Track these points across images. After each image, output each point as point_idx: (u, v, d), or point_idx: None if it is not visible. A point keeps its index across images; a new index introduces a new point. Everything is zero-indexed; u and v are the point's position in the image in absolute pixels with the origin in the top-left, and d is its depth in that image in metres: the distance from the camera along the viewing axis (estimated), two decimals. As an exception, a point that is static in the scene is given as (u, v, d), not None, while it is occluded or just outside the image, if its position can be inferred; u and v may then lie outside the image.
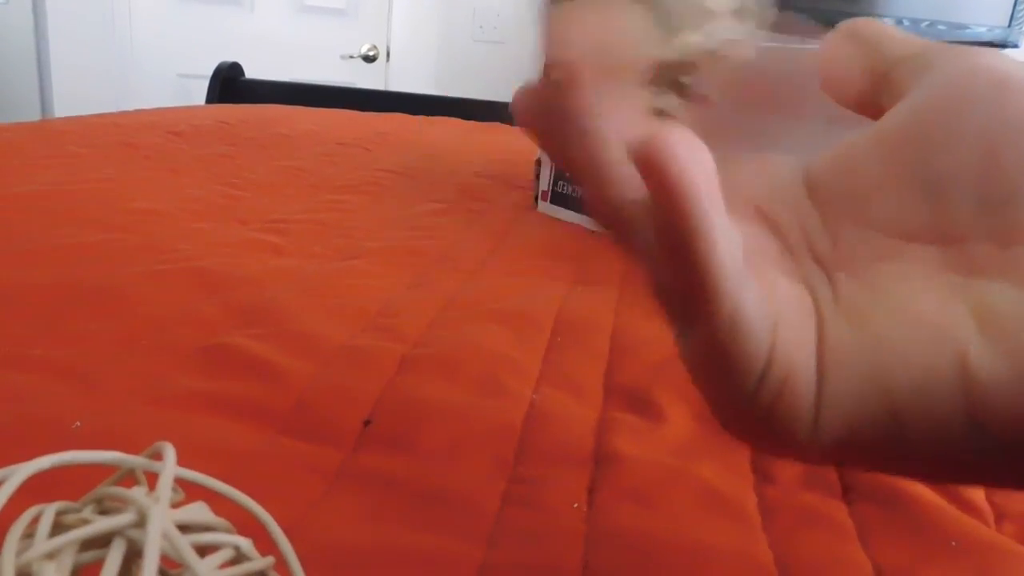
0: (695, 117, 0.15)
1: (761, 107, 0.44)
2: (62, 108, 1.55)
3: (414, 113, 1.23)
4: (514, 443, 0.25)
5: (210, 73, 1.30)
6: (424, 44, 2.10)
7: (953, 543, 0.21)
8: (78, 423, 0.23)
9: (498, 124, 1.16)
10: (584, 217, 0.56)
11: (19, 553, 0.11)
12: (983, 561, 0.21)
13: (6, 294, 0.32)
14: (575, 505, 0.22)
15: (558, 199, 0.58)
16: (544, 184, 0.59)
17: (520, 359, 0.31)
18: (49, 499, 0.13)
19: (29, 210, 0.45)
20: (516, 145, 0.95)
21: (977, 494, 0.24)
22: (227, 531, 0.13)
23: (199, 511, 0.13)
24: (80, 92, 1.56)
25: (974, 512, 0.23)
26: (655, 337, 0.34)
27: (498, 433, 0.25)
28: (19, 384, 0.26)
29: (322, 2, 1.91)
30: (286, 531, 0.20)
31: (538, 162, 0.60)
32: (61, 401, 0.25)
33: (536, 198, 0.61)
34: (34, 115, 1.55)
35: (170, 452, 0.13)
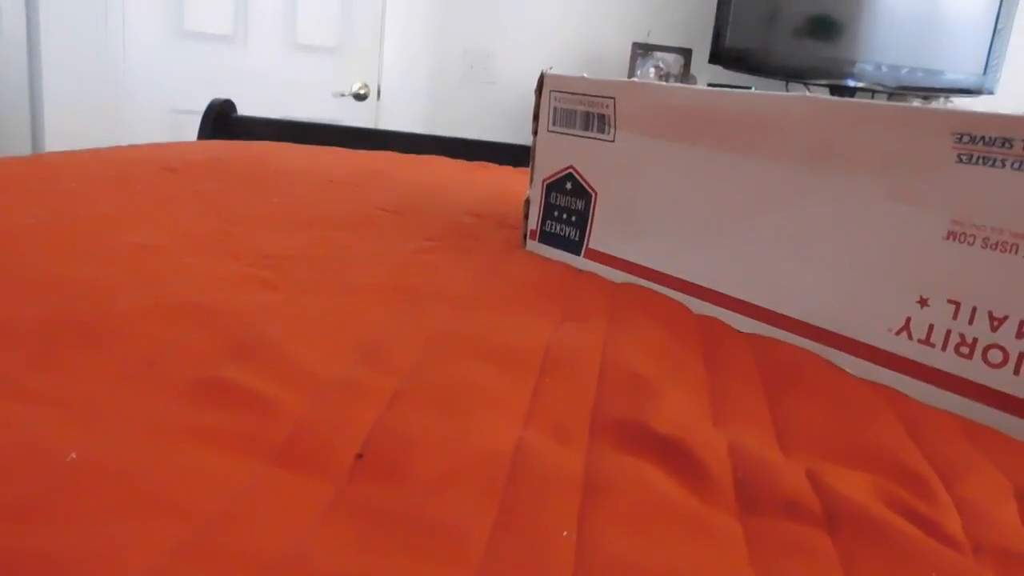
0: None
1: (737, 146, 0.45)
2: (54, 142, 1.55)
3: (404, 150, 1.24)
4: (504, 474, 0.25)
5: (202, 109, 1.31)
6: (415, 83, 2.13)
7: (933, 574, 0.22)
8: (73, 455, 0.24)
9: (488, 163, 1.18)
10: (572, 256, 0.57)
11: None
12: (961, 591, 0.21)
13: None
14: (564, 533, 0.22)
15: (547, 238, 0.59)
16: (533, 223, 0.60)
17: (509, 393, 0.32)
18: None
19: (22, 243, 0.46)
20: (506, 184, 0.96)
21: (955, 527, 0.25)
22: None
23: None
24: (73, 126, 1.57)
25: (953, 544, 0.24)
26: (643, 372, 0.35)
27: (488, 465, 0.26)
28: (12, 415, 0.26)
29: (314, 40, 1.94)
30: (279, 561, 0.20)
31: (527, 202, 0.61)
32: (55, 432, 0.25)
33: (525, 237, 0.62)
34: (25, 149, 1.55)
35: None
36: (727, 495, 0.25)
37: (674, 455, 0.27)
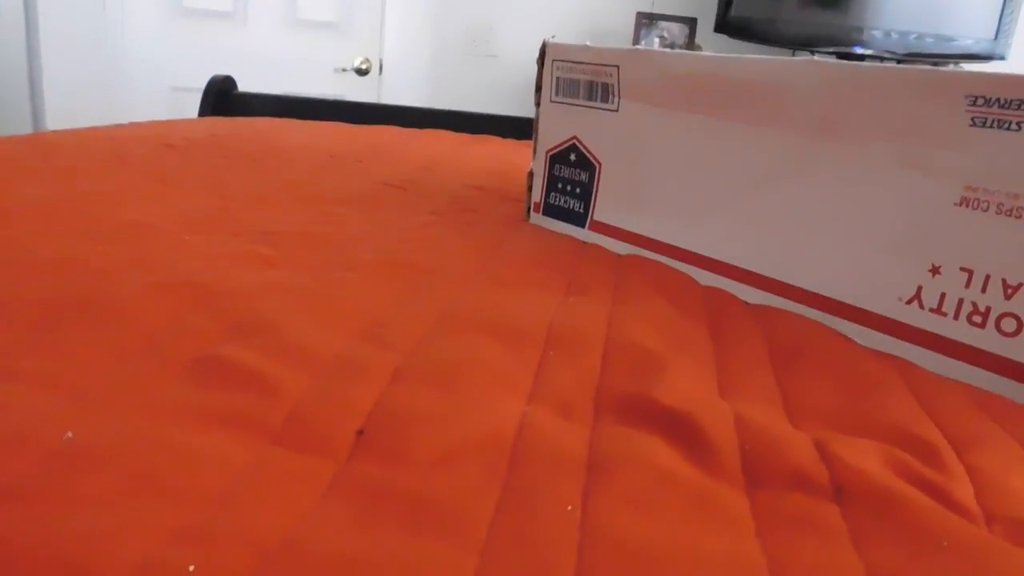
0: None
1: (742, 114, 0.44)
2: (54, 122, 1.55)
3: (407, 125, 1.23)
4: (507, 452, 0.25)
5: (203, 86, 1.30)
6: (417, 57, 2.11)
7: (945, 543, 0.22)
8: (69, 434, 0.23)
9: (491, 136, 1.17)
10: (576, 228, 0.56)
11: None
12: (975, 561, 0.21)
13: (-3, 307, 0.32)
14: (569, 508, 0.22)
15: (551, 211, 0.58)
16: (536, 196, 0.60)
17: (512, 370, 0.31)
18: None
19: (20, 222, 0.45)
20: (509, 157, 0.95)
21: (967, 496, 0.24)
22: None
23: None
24: (73, 106, 1.56)
25: (965, 514, 0.23)
26: (648, 346, 0.34)
27: (491, 442, 0.25)
28: (8, 395, 0.26)
29: (315, 16, 1.92)
30: (280, 541, 0.20)
31: (530, 174, 0.60)
32: (52, 412, 0.25)
33: (528, 210, 0.61)
34: (26, 128, 1.55)
35: None
36: (733, 469, 0.25)
37: (679, 429, 0.27)
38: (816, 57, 2.00)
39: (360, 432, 0.26)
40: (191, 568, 0.19)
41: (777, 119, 0.42)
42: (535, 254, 0.50)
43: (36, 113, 1.56)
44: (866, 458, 0.25)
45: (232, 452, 0.24)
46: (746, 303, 0.44)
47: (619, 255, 0.51)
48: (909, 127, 0.37)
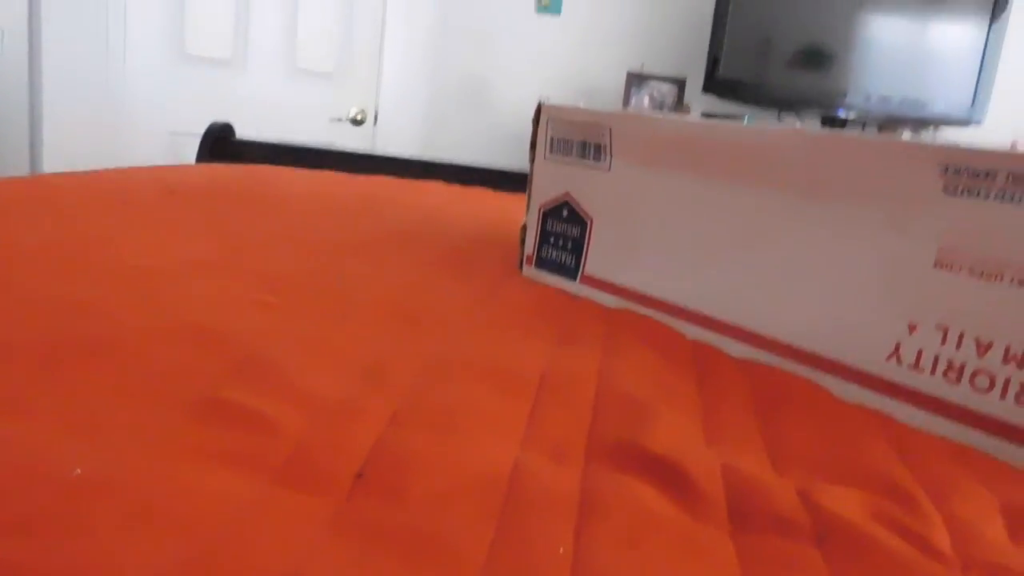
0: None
1: (740, 178, 0.47)
2: (52, 163, 1.56)
3: (401, 174, 1.25)
4: (501, 494, 0.26)
5: (201, 131, 1.32)
6: (411, 107, 2.15)
7: (921, 592, 0.23)
8: (78, 470, 0.24)
9: (484, 189, 1.19)
10: (568, 281, 0.58)
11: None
12: (949, 608, 0.22)
13: (0, 345, 0.33)
14: (561, 551, 0.23)
15: (543, 263, 0.60)
16: (529, 249, 0.61)
17: (506, 415, 0.32)
18: None
19: (23, 263, 0.46)
20: (502, 210, 0.97)
21: (944, 543, 0.25)
22: None
23: None
24: (72, 147, 1.58)
25: (942, 560, 0.24)
26: (637, 395, 0.36)
27: (486, 484, 0.26)
28: (16, 432, 0.26)
29: (313, 65, 1.96)
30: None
31: (524, 228, 0.62)
32: (59, 449, 0.26)
33: (521, 262, 0.62)
34: (23, 167, 1.56)
35: None
36: (719, 513, 0.26)
37: (668, 475, 0.28)
38: (800, 122, 2.06)
39: (359, 475, 0.26)
40: (195, 600, 0.19)
41: (764, 181, 0.44)
42: (528, 305, 0.51)
43: (34, 152, 1.57)
44: (848, 505, 0.26)
45: (234, 490, 0.25)
46: (732, 357, 0.45)
47: (609, 308, 0.53)
48: (888, 192, 0.39)
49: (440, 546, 0.23)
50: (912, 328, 0.38)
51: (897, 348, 0.39)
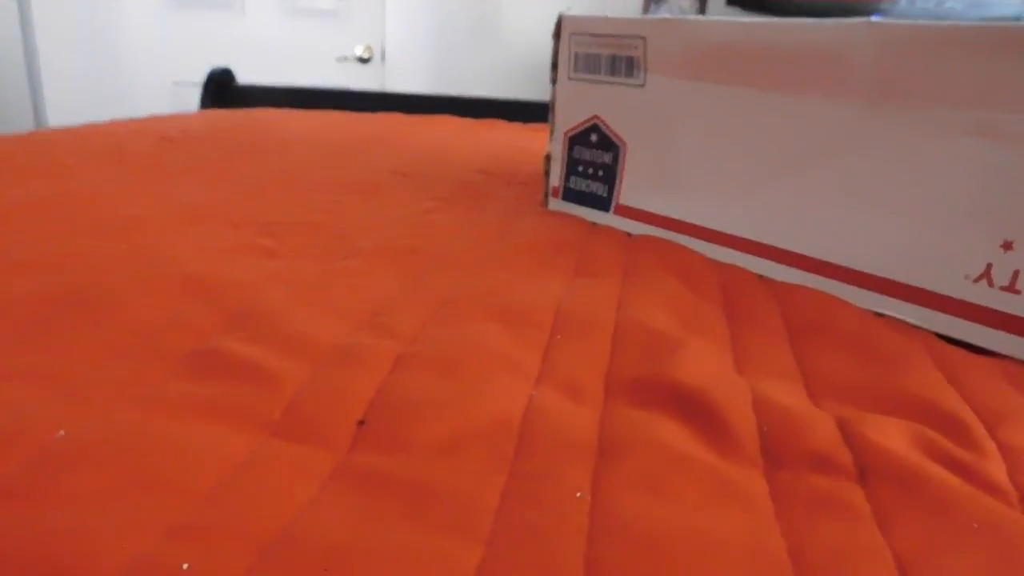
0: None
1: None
2: (56, 118, 1.54)
3: (412, 112, 1.22)
4: (513, 438, 0.24)
5: (203, 79, 1.29)
6: (420, 42, 2.09)
7: (976, 525, 0.21)
8: (62, 432, 0.23)
9: (497, 120, 1.16)
10: (600, 213, 0.54)
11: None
12: (1009, 543, 0.20)
13: (-9, 304, 0.32)
14: (578, 495, 0.21)
15: (572, 196, 0.55)
16: (555, 180, 0.57)
17: (519, 355, 0.30)
18: None
19: (16, 220, 0.45)
20: (516, 141, 0.94)
21: (1000, 475, 0.23)
22: None
23: None
24: (73, 101, 1.55)
25: (997, 493, 0.22)
26: (659, 326, 0.33)
27: (496, 429, 0.24)
28: (0, 393, 0.25)
29: (314, 4, 1.90)
30: (278, 534, 0.19)
31: (547, 158, 0.57)
32: (44, 410, 0.24)
33: (547, 196, 0.58)
34: (28, 125, 1.55)
35: None
36: (751, 450, 0.24)
37: (694, 409, 0.26)
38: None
39: (361, 423, 0.25)
40: (184, 566, 0.18)
41: (827, 88, 0.39)
42: (542, 238, 0.49)
43: (37, 109, 1.55)
44: (891, 437, 0.24)
45: (229, 445, 0.23)
46: (761, 278, 0.42)
47: (629, 236, 0.50)
48: (981, 91, 0.34)
49: (448, 496, 0.21)
50: (1007, 246, 0.34)
51: (988, 269, 0.35)
